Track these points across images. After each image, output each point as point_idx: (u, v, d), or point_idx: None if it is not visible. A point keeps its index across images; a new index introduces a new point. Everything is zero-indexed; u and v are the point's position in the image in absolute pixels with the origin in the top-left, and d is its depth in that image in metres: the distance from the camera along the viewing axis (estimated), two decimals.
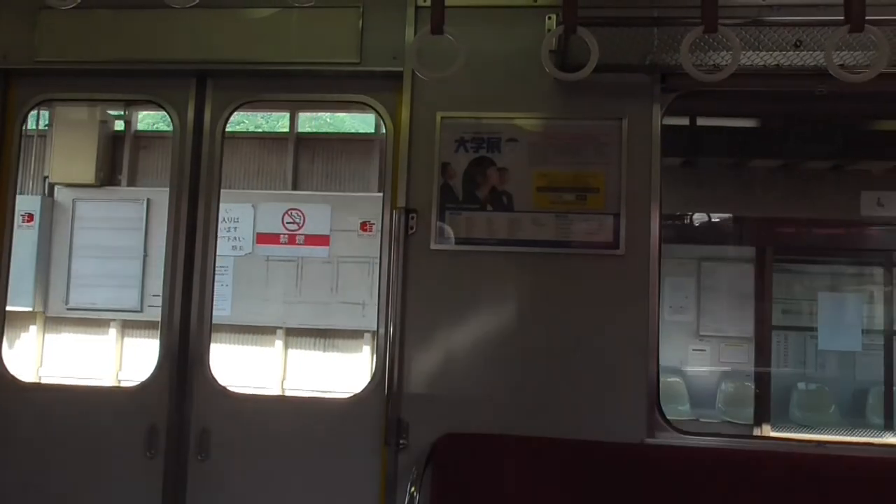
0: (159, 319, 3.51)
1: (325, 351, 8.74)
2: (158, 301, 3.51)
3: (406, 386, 3.26)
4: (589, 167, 3.26)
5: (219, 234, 3.51)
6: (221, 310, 7.60)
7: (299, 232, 8.22)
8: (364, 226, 7.37)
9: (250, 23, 3.46)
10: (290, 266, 8.22)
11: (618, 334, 3.20)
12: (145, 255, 7.95)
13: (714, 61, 2.96)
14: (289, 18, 3.42)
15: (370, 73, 3.41)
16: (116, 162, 8.65)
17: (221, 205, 3.55)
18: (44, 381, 7.86)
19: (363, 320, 8.20)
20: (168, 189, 3.57)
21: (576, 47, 2.91)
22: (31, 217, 7.82)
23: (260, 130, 9.57)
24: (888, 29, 2.71)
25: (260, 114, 9.58)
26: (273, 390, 8.17)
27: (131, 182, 8.61)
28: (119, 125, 8.60)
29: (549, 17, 3.23)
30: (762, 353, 6.65)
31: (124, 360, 8.34)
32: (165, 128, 8.51)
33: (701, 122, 5.73)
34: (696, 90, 3.22)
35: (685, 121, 5.74)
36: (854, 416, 7.09)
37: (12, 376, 3.59)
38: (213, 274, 3.53)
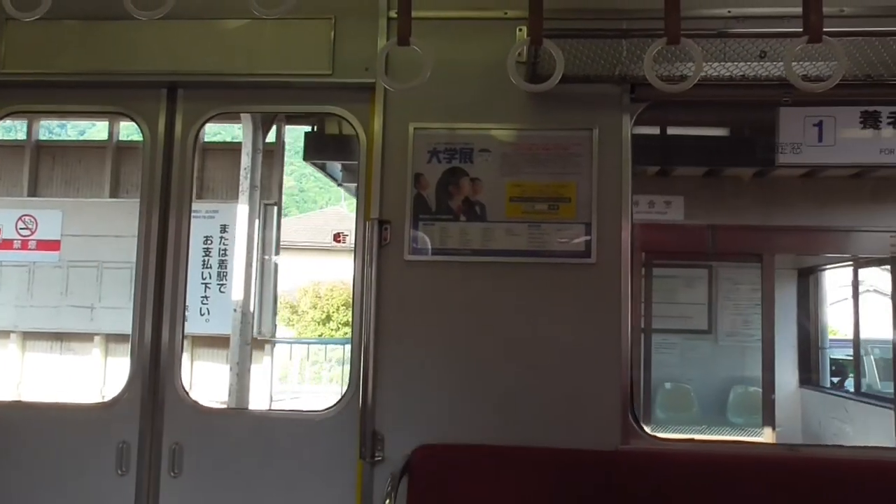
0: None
1: (61, 354, 9.01)
2: None
3: (380, 398, 3.24)
4: (560, 177, 3.28)
5: None
6: None
7: (32, 237, 8.53)
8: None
9: (222, 34, 3.46)
10: (22, 271, 8.55)
11: (591, 342, 3.21)
12: None
13: (681, 72, 2.99)
14: (260, 30, 3.42)
15: (342, 84, 3.41)
16: None
17: None
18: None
19: (91, 323, 8.54)
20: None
21: (546, 58, 2.94)
22: None
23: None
24: (847, 40, 2.77)
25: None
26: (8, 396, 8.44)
27: None
28: None
29: (520, 29, 3.24)
30: None
31: None
32: None
33: None
34: (666, 100, 3.26)
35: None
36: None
37: None
38: (185, 287, 3.50)
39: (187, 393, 3.45)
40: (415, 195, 3.32)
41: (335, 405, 3.36)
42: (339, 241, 7.61)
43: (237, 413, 4.12)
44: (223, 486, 3.34)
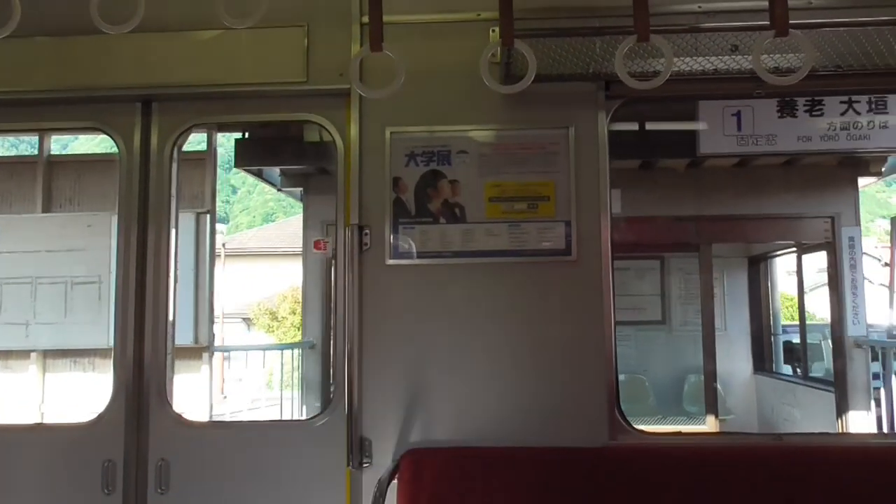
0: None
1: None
2: None
3: (367, 404, 3.23)
4: (539, 176, 3.30)
5: None
6: None
7: None
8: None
9: (194, 46, 3.42)
10: None
11: (574, 339, 3.24)
12: None
13: (654, 68, 3.03)
14: (233, 40, 3.37)
15: (317, 91, 3.39)
16: None
17: None
18: None
19: (27, 340, 8.58)
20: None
21: (519, 59, 2.96)
22: None
23: None
24: (815, 32, 2.86)
25: None
26: None
27: None
28: None
29: (493, 30, 3.26)
30: None
31: None
32: None
33: None
34: (641, 96, 3.30)
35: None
36: None
37: None
38: (168, 300, 3.45)
39: (172, 408, 3.39)
40: (394, 199, 3.32)
41: (322, 412, 3.34)
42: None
43: (223, 425, 4.07)
44: (211, 500, 3.29)
